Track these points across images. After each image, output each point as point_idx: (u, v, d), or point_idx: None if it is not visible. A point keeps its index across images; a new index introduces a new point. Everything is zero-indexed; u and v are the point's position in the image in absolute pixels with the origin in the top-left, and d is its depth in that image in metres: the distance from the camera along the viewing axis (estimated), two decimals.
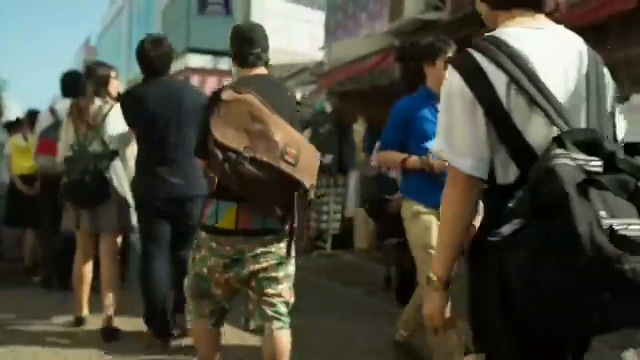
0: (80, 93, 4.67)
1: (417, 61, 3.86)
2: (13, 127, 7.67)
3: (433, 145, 1.73)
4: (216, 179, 2.91)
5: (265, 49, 3.14)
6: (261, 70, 3.12)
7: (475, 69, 1.59)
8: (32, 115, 6.97)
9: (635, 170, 1.44)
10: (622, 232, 1.34)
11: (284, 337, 2.89)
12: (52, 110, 5.95)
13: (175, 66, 19.25)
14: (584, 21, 5.50)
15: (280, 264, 2.90)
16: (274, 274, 2.87)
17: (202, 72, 18.11)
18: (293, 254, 2.93)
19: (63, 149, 4.54)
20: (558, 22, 1.74)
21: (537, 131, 1.57)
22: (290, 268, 2.98)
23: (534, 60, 1.59)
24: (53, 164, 5.19)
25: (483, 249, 1.60)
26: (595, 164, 1.44)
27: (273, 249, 2.86)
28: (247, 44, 3.09)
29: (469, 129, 1.60)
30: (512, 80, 1.56)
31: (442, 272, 1.70)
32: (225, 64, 17.65)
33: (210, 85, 16.26)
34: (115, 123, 4.41)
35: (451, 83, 1.64)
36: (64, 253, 5.40)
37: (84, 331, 4.58)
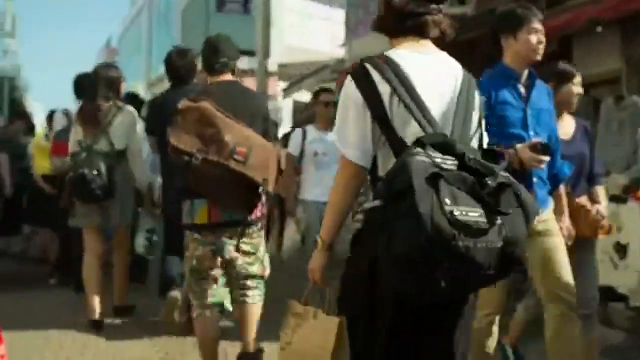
0: (90, 95, 4.80)
1: (494, 33, 3.25)
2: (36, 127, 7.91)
3: (331, 138, 2.18)
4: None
5: (233, 58, 3.52)
6: (227, 77, 3.48)
7: (367, 80, 1.95)
8: (53, 115, 7.05)
9: (483, 169, 1.79)
10: (461, 218, 1.67)
11: (256, 309, 3.44)
12: (67, 113, 6.05)
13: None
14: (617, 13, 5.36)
15: (253, 247, 3.41)
16: (248, 259, 3.33)
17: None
18: (263, 238, 3.54)
19: (72, 148, 4.67)
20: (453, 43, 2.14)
21: (411, 134, 1.90)
22: (262, 249, 3.50)
23: (414, 77, 1.95)
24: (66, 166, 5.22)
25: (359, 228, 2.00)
26: (451, 163, 1.79)
27: (246, 237, 3.33)
28: (214, 53, 3.46)
29: (358, 128, 1.96)
30: (395, 91, 1.92)
31: (327, 237, 2.05)
32: (244, 63, 17.54)
33: None
34: (122, 124, 4.64)
35: (348, 89, 2.01)
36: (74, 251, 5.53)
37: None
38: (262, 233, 3.54)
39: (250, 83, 16.81)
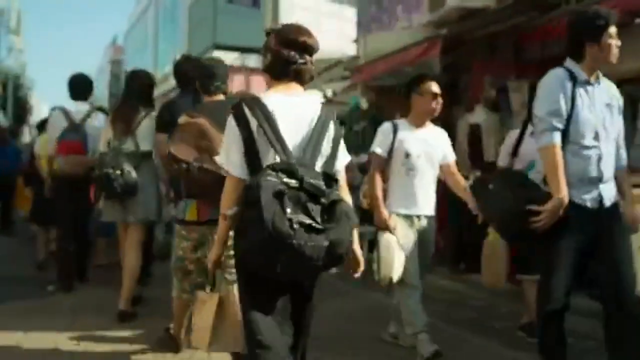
0: (125, 98, 5.20)
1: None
2: (43, 126, 7.66)
3: (218, 159, 2.71)
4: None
5: (225, 81, 4.04)
6: (220, 97, 4.00)
7: (242, 116, 2.55)
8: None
9: (316, 190, 2.40)
10: (297, 223, 2.30)
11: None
12: (66, 112, 5.91)
13: None
14: None
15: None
16: (231, 252, 3.37)
17: (229, 69, 17.68)
18: None
19: (102, 148, 5.08)
20: None
21: (270, 159, 2.52)
22: None
23: (278, 115, 2.54)
24: (71, 166, 5.70)
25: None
26: (294, 183, 2.38)
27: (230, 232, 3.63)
28: (210, 77, 3.99)
29: (238, 152, 2.58)
30: (260, 125, 2.51)
31: (223, 235, 2.72)
32: (252, 60, 17.27)
33: (237, 82, 15.77)
34: (148, 127, 4.96)
35: (231, 122, 2.61)
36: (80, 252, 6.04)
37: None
38: None
39: (259, 81, 16.58)
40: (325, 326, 4.65)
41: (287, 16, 14.80)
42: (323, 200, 2.41)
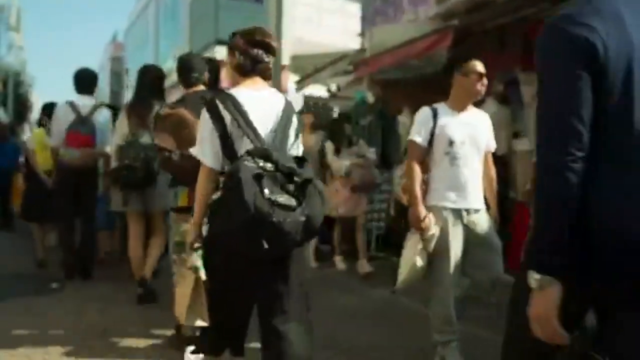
0: (139, 93, 5.26)
1: None
2: (41, 121, 7.63)
3: (198, 153, 2.90)
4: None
5: (202, 72, 4.30)
6: (199, 88, 4.23)
7: (216, 110, 2.81)
8: (50, 107, 6.95)
9: (291, 170, 2.66)
10: (275, 201, 2.55)
11: None
12: (73, 105, 6.02)
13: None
14: None
15: None
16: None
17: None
18: None
19: (119, 140, 5.14)
20: None
21: (244, 147, 2.78)
22: None
23: (249, 108, 2.82)
24: (84, 159, 5.82)
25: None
26: (270, 166, 2.63)
27: None
28: (188, 70, 4.28)
29: (211, 143, 2.83)
30: (234, 118, 2.79)
31: (198, 219, 2.91)
32: None
33: None
34: None
35: (204, 116, 2.86)
36: (84, 244, 6.12)
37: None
38: None
39: None
40: (329, 324, 4.70)
41: (290, 11, 14.63)
42: (297, 179, 2.69)
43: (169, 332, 4.22)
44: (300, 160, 2.79)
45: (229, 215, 2.60)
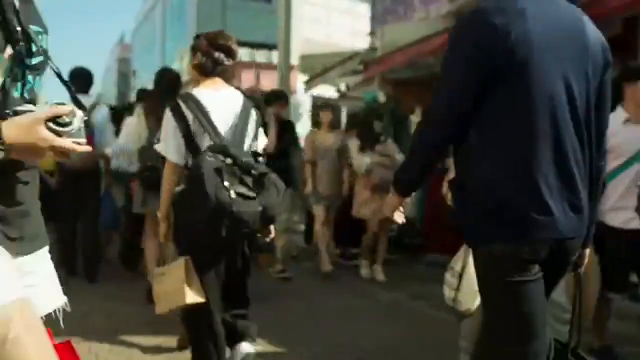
0: (154, 94, 5.36)
1: None
2: None
3: (163, 150, 3.17)
4: None
5: None
6: None
7: (178, 110, 3.06)
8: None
9: (248, 165, 3.00)
10: (235, 193, 2.87)
11: None
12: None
13: None
14: None
15: None
16: None
17: (240, 65, 17.44)
18: None
19: (139, 143, 5.19)
20: None
21: (206, 144, 3.03)
22: None
23: (209, 107, 3.07)
24: (84, 160, 5.52)
25: None
26: (229, 161, 2.96)
27: None
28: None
29: (175, 140, 3.08)
30: (195, 117, 3.04)
31: (165, 212, 3.21)
32: (263, 56, 17.07)
33: (247, 79, 15.51)
34: None
35: (168, 116, 3.13)
36: (88, 246, 6.04)
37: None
38: None
39: (269, 77, 16.35)
40: (331, 324, 4.71)
41: (298, 12, 14.53)
42: (254, 172, 2.99)
43: (178, 333, 4.08)
44: (256, 155, 3.19)
45: (192, 206, 2.93)
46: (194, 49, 3.24)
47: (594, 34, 2.06)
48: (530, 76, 1.93)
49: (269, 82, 16.33)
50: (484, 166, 2.00)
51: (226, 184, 2.83)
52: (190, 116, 3.03)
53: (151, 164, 4.90)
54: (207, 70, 3.18)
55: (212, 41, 3.20)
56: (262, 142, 3.38)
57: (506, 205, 1.95)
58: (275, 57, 16.85)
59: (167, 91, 5.15)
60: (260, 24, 17.58)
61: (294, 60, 11.47)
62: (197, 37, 3.29)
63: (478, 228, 2.04)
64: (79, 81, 5.92)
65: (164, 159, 5.02)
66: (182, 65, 24.85)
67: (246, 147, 3.15)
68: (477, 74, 1.96)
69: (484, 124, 2.00)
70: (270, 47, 17.14)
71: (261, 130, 3.35)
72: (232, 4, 18.19)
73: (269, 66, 16.92)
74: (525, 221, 1.94)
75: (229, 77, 3.23)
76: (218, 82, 3.18)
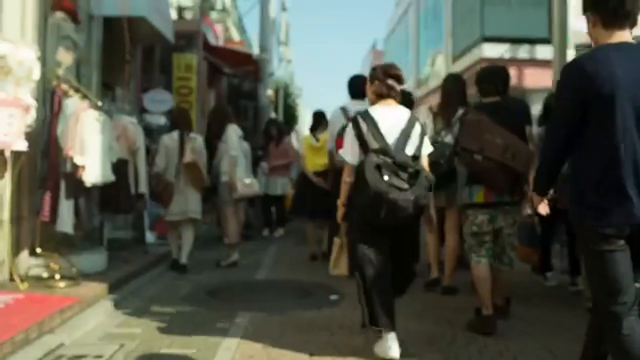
0: (444, 99, 5.88)
1: None
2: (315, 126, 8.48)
3: (342, 153, 4.24)
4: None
5: (499, 83, 4.97)
6: (495, 99, 4.90)
7: (356, 123, 4.05)
8: (318, 115, 8.34)
9: (405, 164, 3.88)
10: (392, 184, 3.77)
11: (507, 275, 4.92)
12: (344, 110, 6.55)
13: (470, 57, 17.86)
14: None
15: (514, 220, 4.86)
16: (510, 230, 4.83)
17: (499, 62, 16.33)
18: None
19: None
20: None
21: (374, 146, 3.93)
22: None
23: (379, 120, 4.01)
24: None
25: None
26: (389, 160, 3.84)
27: (509, 214, 4.79)
28: (486, 81, 4.97)
29: (353, 146, 4.04)
30: (368, 127, 3.99)
31: (342, 202, 4.25)
32: (524, 52, 15.77)
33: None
34: None
35: (349, 128, 4.15)
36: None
37: None
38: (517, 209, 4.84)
39: (531, 73, 15.00)
40: None
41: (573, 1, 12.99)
42: (410, 170, 3.88)
43: None
44: (415, 158, 4.00)
45: (359, 193, 3.89)
46: (372, 78, 4.19)
47: None
48: (612, 107, 2.75)
49: (532, 79, 14.96)
50: (584, 172, 2.87)
51: (385, 177, 3.78)
52: (364, 127, 3.99)
53: (434, 159, 4.97)
54: (382, 94, 4.14)
55: (386, 71, 4.16)
56: (426, 149, 4.16)
57: (599, 197, 2.80)
58: (538, 52, 15.42)
59: (456, 95, 5.78)
60: (521, 18, 16.25)
61: (570, 55, 10.08)
62: (374, 69, 4.26)
63: (580, 211, 2.89)
64: (356, 88, 6.52)
65: (450, 157, 5.44)
66: (432, 69, 24.31)
67: (408, 151, 3.99)
68: (574, 106, 2.86)
69: (584, 142, 2.86)
70: (533, 42, 15.78)
71: (426, 139, 4.16)
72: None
73: (532, 62, 15.55)
74: (610, 208, 2.78)
75: (397, 98, 4.18)
76: (390, 102, 4.15)
